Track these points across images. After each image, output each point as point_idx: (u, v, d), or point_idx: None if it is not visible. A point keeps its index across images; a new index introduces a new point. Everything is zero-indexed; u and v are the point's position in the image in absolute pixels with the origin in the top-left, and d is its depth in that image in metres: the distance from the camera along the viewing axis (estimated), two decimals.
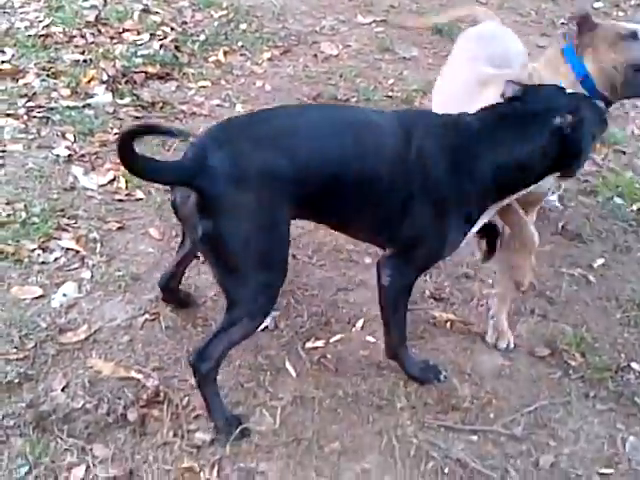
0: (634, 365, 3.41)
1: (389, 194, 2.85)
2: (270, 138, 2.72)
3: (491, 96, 3.10)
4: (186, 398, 2.97)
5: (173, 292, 3.38)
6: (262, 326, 3.25)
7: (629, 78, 3.14)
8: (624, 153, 5.13)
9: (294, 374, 3.15)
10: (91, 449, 2.73)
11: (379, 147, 2.85)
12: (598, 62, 3.15)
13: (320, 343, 3.31)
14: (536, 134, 2.85)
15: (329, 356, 3.25)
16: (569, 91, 2.94)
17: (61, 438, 2.75)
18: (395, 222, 2.90)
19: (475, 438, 2.98)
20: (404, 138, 2.86)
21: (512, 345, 3.42)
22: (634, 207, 4.53)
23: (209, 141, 2.73)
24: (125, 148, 2.51)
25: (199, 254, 3.31)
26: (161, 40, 5.52)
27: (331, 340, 3.34)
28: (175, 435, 2.82)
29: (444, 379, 3.21)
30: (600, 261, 4.07)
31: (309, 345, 3.29)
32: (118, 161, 4.04)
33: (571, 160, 2.89)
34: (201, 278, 3.55)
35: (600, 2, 7.83)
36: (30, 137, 4.35)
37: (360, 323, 3.44)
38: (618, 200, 4.59)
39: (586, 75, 3.16)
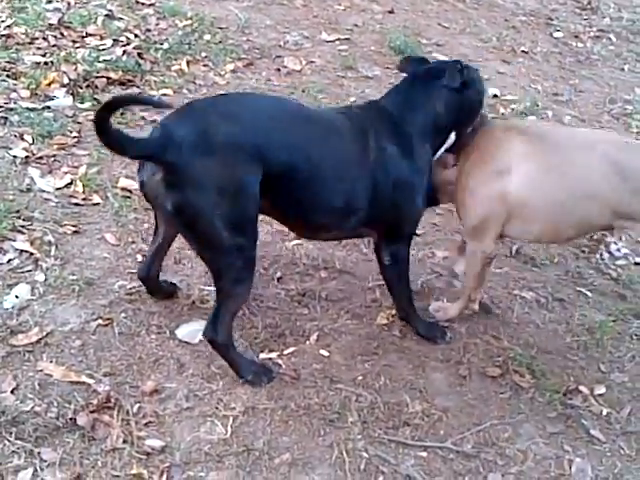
0: (582, 388, 3.46)
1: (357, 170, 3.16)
2: (232, 113, 2.93)
3: None
4: (137, 405, 2.95)
5: (154, 282, 3.42)
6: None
7: None
8: None
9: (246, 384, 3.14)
10: (39, 452, 2.70)
11: (337, 135, 3.17)
12: None
13: (274, 355, 3.31)
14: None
15: (282, 368, 3.25)
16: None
17: (9, 440, 2.71)
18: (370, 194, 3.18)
19: (425, 454, 3.00)
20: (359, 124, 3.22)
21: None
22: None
23: (174, 118, 2.95)
24: (103, 120, 2.70)
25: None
26: (124, 46, 5.47)
27: (285, 352, 3.34)
28: (125, 441, 2.79)
29: (449, 339, 3.57)
30: (552, 285, 4.13)
31: (263, 356, 3.28)
32: (75, 165, 4.10)
33: (465, 116, 3.40)
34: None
35: (560, 32, 7.96)
36: None
37: (314, 336, 3.45)
38: None
39: None
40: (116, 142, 2.78)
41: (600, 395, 3.46)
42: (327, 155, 3.09)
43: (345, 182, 3.12)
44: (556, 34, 7.94)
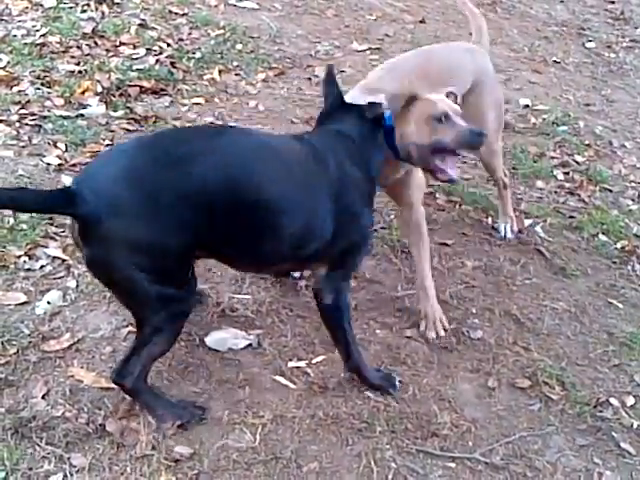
0: (613, 401, 3.44)
1: (310, 209, 2.91)
2: (163, 162, 2.62)
3: None
4: None
5: None
6: (246, 343, 3.28)
7: (423, 155, 3.21)
8: (610, 191, 5.20)
9: (275, 392, 3.14)
10: (69, 458, 2.72)
11: (289, 167, 2.90)
12: (404, 130, 3.23)
13: (303, 363, 3.31)
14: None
15: (311, 376, 3.25)
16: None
17: (39, 445, 2.74)
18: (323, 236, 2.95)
19: (453, 465, 2.98)
20: (315, 156, 2.98)
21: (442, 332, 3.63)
22: (618, 245, 4.58)
23: (87, 170, 2.78)
24: None
25: None
26: (157, 55, 5.53)
27: (314, 361, 3.34)
28: (154, 448, 2.80)
29: (398, 388, 3.25)
30: (583, 296, 4.10)
31: (292, 364, 3.29)
32: None
33: None
34: None
35: (592, 42, 7.93)
36: (21, 144, 4.34)
37: None
38: (603, 237, 4.64)
39: (392, 128, 3.24)
40: (20, 199, 2.56)
41: (631, 407, 3.43)
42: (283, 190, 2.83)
43: (305, 210, 2.90)
44: (588, 44, 7.90)
